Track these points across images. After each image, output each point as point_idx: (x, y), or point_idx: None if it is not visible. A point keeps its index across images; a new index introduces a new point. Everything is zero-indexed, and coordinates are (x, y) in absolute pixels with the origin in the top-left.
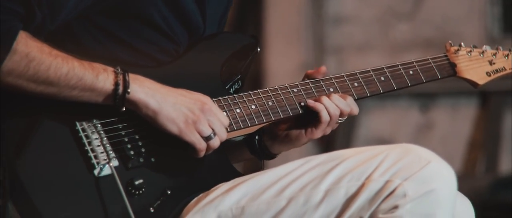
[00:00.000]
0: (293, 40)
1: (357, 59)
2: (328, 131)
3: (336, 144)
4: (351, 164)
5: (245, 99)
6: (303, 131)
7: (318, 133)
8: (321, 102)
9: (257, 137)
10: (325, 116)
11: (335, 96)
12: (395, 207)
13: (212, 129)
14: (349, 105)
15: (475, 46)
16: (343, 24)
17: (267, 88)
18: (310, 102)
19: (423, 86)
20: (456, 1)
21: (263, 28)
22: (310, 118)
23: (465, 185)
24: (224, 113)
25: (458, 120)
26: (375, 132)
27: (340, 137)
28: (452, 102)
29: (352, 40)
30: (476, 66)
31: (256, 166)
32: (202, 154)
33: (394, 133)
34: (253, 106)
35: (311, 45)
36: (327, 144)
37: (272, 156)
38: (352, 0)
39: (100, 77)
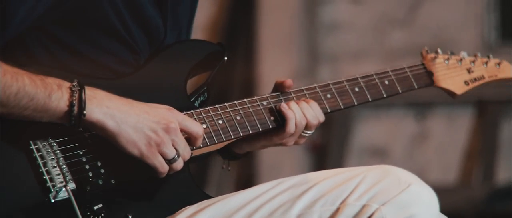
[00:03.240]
0: (287, 48)
1: (351, 67)
2: (291, 142)
3: (330, 154)
4: (325, 187)
5: (211, 113)
6: (263, 135)
7: (277, 141)
8: (292, 109)
9: None
10: (291, 126)
11: (304, 104)
12: None
13: (176, 150)
14: (317, 117)
15: (452, 53)
16: (337, 32)
17: (235, 102)
18: (284, 107)
19: (418, 94)
20: (452, 8)
21: (256, 35)
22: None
23: (461, 195)
24: None
25: (454, 129)
26: (369, 141)
27: (334, 147)
28: (448, 111)
29: (346, 48)
30: (454, 74)
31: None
32: (164, 175)
33: (389, 142)
34: (220, 122)
35: (305, 52)
36: (320, 155)
37: (235, 156)
38: (346, 7)
39: (53, 97)
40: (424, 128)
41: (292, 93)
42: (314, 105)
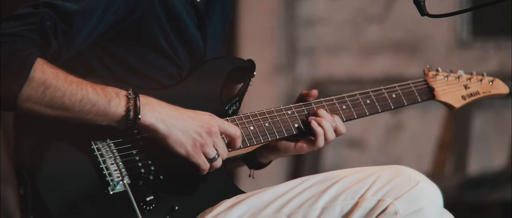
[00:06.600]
0: (266, 42)
1: (328, 61)
2: (315, 149)
3: None
4: (346, 183)
5: (244, 121)
6: (292, 145)
7: (307, 151)
8: (322, 126)
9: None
10: (321, 141)
11: (337, 118)
12: None
13: (216, 150)
14: (344, 127)
15: (451, 71)
16: (315, 26)
17: (264, 110)
18: (314, 124)
19: None
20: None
21: (237, 30)
22: (302, 134)
23: None
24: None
25: (428, 121)
26: (346, 133)
27: None
28: (422, 104)
29: (323, 42)
30: (452, 90)
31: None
32: (205, 172)
33: (365, 134)
34: (252, 128)
35: (284, 46)
36: None
37: (260, 165)
38: (324, 2)
39: (113, 103)
40: (399, 119)
41: (312, 104)
42: (337, 119)
